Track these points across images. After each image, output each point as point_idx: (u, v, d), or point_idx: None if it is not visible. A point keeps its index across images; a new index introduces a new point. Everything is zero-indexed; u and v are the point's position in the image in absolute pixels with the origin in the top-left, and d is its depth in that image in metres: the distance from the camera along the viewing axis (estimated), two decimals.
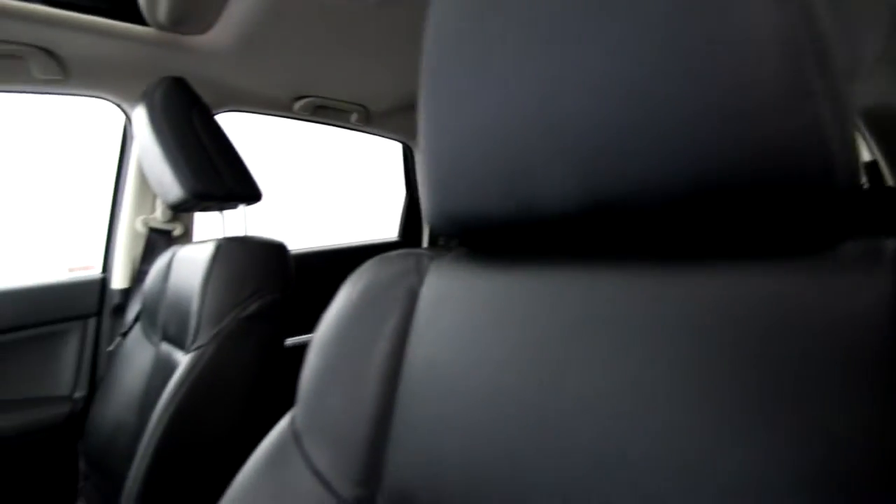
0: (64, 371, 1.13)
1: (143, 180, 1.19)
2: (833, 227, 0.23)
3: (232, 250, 0.76)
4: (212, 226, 1.29)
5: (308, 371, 0.40)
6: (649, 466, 0.22)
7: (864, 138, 1.53)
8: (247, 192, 0.88)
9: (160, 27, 0.95)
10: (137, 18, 0.94)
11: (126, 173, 1.20)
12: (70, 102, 1.12)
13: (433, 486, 0.30)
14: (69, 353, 1.14)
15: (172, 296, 0.90)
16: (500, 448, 0.27)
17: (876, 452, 0.17)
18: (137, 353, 0.99)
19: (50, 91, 1.03)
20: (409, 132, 1.79)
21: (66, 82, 1.01)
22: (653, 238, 0.26)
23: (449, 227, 0.33)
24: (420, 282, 0.37)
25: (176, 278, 0.91)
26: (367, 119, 1.54)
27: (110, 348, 1.13)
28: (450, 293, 0.35)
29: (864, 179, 1.49)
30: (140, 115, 0.88)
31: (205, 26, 0.96)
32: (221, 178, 0.83)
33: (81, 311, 1.17)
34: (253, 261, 0.77)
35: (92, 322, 1.17)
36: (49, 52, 0.93)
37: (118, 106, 1.14)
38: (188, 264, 0.87)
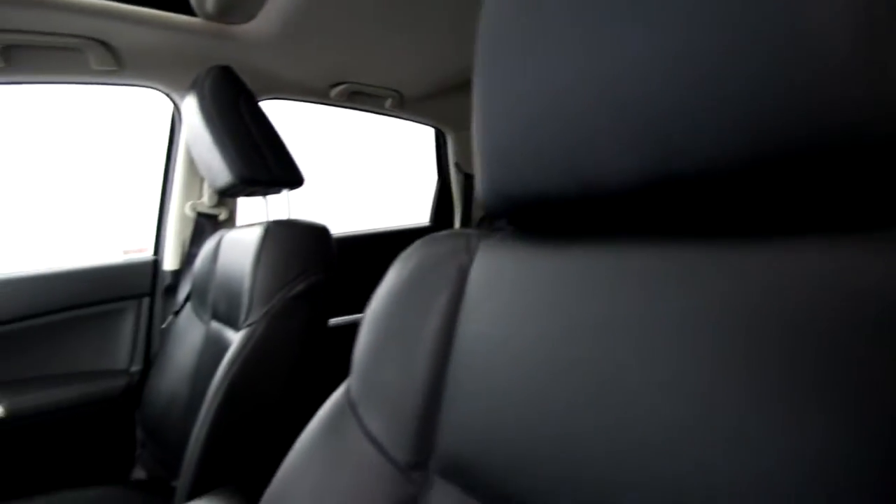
0: (121, 347, 1.21)
1: (191, 167, 1.24)
2: None
3: (279, 233, 0.79)
4: (252, 211, 1.34)
5: (361, 345, 0.42)
6: (704, 442, 0.22)
7: None
8: (290, 177, 0.91)
9: (207, 17, 0.99)
10: (186, 9, 0.98)
11: (175, 160, 1.25)
12: (123, 93, 1.18)
13: (483, 454, 0.32)
14: (126, 330, 1.22)
15: (221, 277, 0.95)
16: (549, 421, 0.28)
17: None
18: (189, 330, 1.05)
19: (104, 82, 1.09)
20: (442, 117, 1.79)
21: (120, 73, 1.06)
22: (710, 213, 0.26)
23: (503, 206, 0.34)
24: (470, 260, 0.38)
25: (224, 260, 0.96)
26: (401, 104, 1.55)
27: (163, 326, 1.20)
28: (501, 271, 0.36)
29: None
30: (190, 103, 0.92)
31: (249, 15, 0.98)
32: (267, 164, 0.87)
33: (136, 290, 1.24)
34: (299, 243, 0.80)
35: (146, 301, 1.24)
36: (105, 44, 0.98)
37: (167, 95, 1.19)
38: (236, 247, 0.91)
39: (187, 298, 1.12)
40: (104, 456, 1.16)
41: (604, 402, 0.26)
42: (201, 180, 1.27)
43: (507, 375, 0.31)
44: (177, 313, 1.14)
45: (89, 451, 1.14)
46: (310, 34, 1.07)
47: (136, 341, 1.22)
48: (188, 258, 1.25)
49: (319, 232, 0.84)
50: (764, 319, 0.22)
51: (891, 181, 0.21)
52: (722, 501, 0.21)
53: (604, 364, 0.27)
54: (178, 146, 1.25)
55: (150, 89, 1.16)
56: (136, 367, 1.20)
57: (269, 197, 1.03)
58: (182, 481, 0.69)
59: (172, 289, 1.25)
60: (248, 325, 0.74)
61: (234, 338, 0.84)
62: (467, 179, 1.99)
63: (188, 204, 1.25)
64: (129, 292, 1.23)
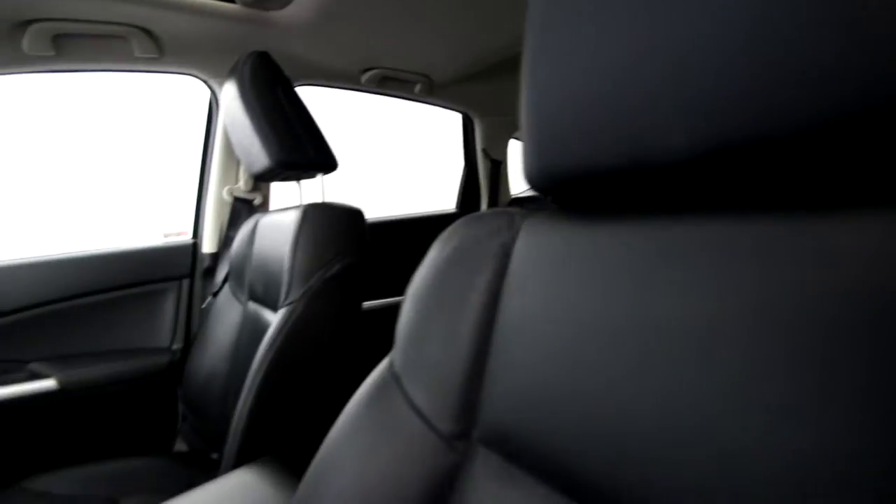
0: (164, 326, 1.26)
1: (227, 153, 1.28)
2: None
3: (317, 215, 0.81)
4: (283, 196, 1.37)
5: (404, 321, 0.43)
6: (751, 413, 0.22)
7: None
8: (325, 161, 0.93)
9: (245, 3, 1.00)
10: None
11: (212, 147, 1.29)
12: (163, 83, 1.21)
13: (527, 424, 0.32)
14: (168, 310, 1.27)
15: (258, 259, 0.98)
16: (593, 393, 0.29)
17: None
18: (227, 310, 1.09)
19: (146, 69, 1.12)
20: (470, 102, 1.78)
21: (161, 60, 1.10)
22: (765, 187, 0.26)
23: (550, 183, 0.34)
24: (513, 238, 0.39)
25: (261, 243, 0.99)
26: (431, 89, 1.55)
27: (203, 306, 1.24)
28: (546, 248, 0.36)
29: None
30: (229, 89, 0.94)
31: (285, 1, 1.00)
32: (304, 148, 0.88)
33: (176, 272, 1.29)
34: (335, 225, 0.82)
35: (186, 282, 1.29)
36: (148, 32, 1.01)
37: (205, 82, 1.22)
38: (273, 230, 0.93)
39: (225, 280, 1.16)
40: (148, 428, 1.22)
41: (649, 377, 0.26)
42: (237, 166, 1.31)
43: (552, 349, 0.32)
44: (215, 294, 1.18)
45: (135, 424, 1.21)
46: (343, 19, 1.08)
47: (178, 320, 1.27)
48: (225, 241, 1.29)
49: (354, 215, 0.86)
50: (818, 301, 0.22)
51: None
52: (758, 482, 0.21)
53: (651, 339, 0.27)
54: (215, 132, 1.28)
55: (188, 76, 1.20)
56: (177, 345, 1.26)
57: (302, 181, 1.05)
58: (228, 451, 0.72)
59: (211, 271, 1.30)
60: (288, 304, 0.76)
61: (272, 317, 0.87)
62: (494, 165, 1.98)
63: (225, 189, 1.29)
64: (170, 274, 1.28)
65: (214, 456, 1.03)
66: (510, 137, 2.04)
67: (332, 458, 0.43)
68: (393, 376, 0.42)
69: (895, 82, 0.20)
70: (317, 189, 1.05)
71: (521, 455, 0.33)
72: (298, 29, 1.11)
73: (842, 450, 0.20)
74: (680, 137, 0.26)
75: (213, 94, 1.26)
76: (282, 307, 0.77)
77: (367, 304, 1.42)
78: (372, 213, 1.72)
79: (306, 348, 0.77)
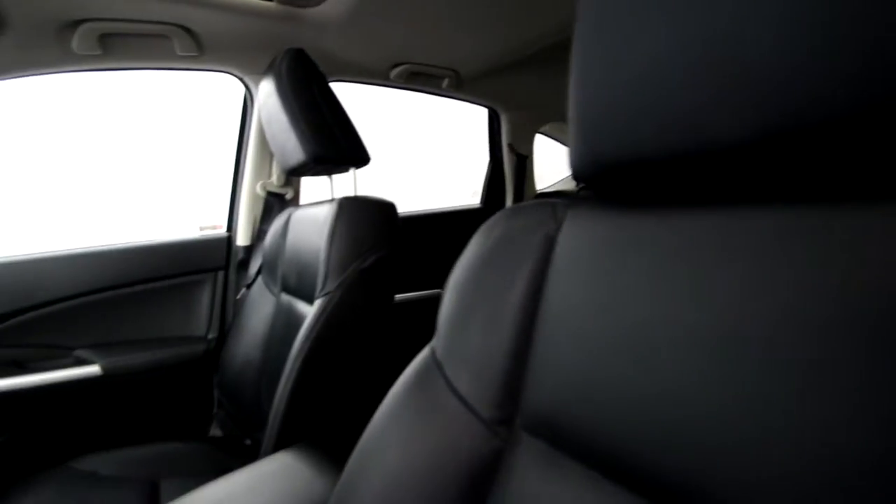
0: (200, 316, 1.31)
1: (261, 149, 1.31)
2: None
3: (352, 208, 0.83)
4: (311, 192, 1.40)
5: (446, 309, 0.44)
6: (815, 412, 0.22)
7: None
8: (358, 155, 0.95)
9: (281, 1, 1.03)
10: None
11: (247, 142, 1.32)
12: (200, 83, 1.25)
13: (572, 411, 0.33)
14: (203, 301, 1.31)
15: (291, 252, 1.01)
16: (640, 381, 0.29)
17: None
18: (260, 302, 1.12)
19: (186, 67, 1.16)
20: (497, 97, 1.78)
21: (201, 58, 1.13)
22: (816, 174, 0.26)
23: (598, 173, 0.34)
24: (557, 228, 0.39)
25: (294, 236, 1.01)
26: (458, 84, 1.56)
27: (237, 297, 1.28)
28: (592, 239, 0.36)
29: None
30: (266, 85, 0.96)
31: None
32: (338, 143, 0.90)
33: (212, 264, 1.33)
34: (370, 218, 0.84)
35: (221, 274, 1.33)
36: (188, 31, 1.04)
37: (240, 79, 1.25)
38: (307, 223, 0.96)
39: (258, 272, 1.20)
40: (186, 414, 1.27)
41: (698, 367, 0.27)
42: (270, 161, 1.34)
43: (600, 337, 0.32)
44: (249, 286, 1.22)
45: (173, 409, 1.25)
46: (375, 15, 1.09)
47: (213, 311, 1.31)
48: (259, 234, 1.33)
49: (388, 208, 0.87)
50: (874, 296, 0.21)
51: None
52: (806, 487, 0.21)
53: (707, 329, 0.27)
54: (249, 129, 1.32)
55: (225, 74, 1.23)
56: (212, 335, 1.30)
57: (334, 176, 1.07)
58: (268, 435, 0.75)
59: (244, 263, 1.33)
60: (325, 294, 0.78)
61: (305, 308, 0.89)
62: (520, 160, 1.97)
63: (259, 184, 1.33)
64: (206, 266, 1.33)
65: (248, 442, 1.06)
66: (536, 132, 2.03)
67: (376, 443, 0.44)
68: (435, 363, 0.43)
69: None
70: (346, 184, 1.07)
71: (566, 441, 0.33)
72: (331, 25, 1.13)
73: None
74: (731, 124, 0.26)
75: (248, 91, 1.29)
76: (318, 297, 0.79)
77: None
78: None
79: (342, 337, 0.79)
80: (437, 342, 0.44)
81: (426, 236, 1.71)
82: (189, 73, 1.21)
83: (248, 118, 1.32)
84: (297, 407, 0.75)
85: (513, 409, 0.38)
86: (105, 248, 1.23)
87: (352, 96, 1.50)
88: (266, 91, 0.97)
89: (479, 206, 1.98)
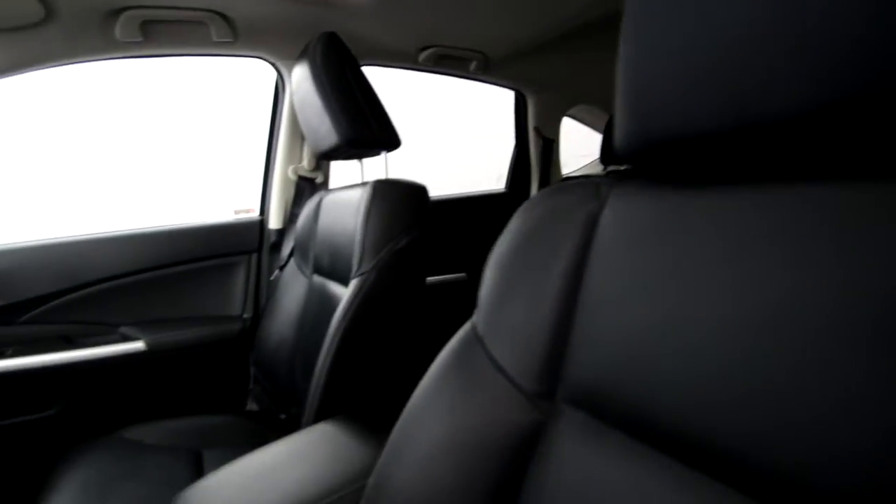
0: (236, 296, 1.36)
1: (293, 133, 1.33)
2: None
3: (385, 190, 0.85)
4: (339, 175, 1.42)
5: (487, 285, 0.45)
6: (869, 381, 0.22)
7: None
8: (389, 139, 0.96)
9: None
10: None
11: (278, 127, 1.35)
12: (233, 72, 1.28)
13: (615, 383, 0.34)
14: (239, 282, 1.36)
15: (324, 234, 1.03)
16: (684, 355, 0.30)
17: None
18: (293, 283, 1.15)
19: (221, 53, 1.19)
20: (524, 79, 1.77)
21: (235, 44, 1.16)
22: (879, 152, 0.25)
23: (645, 149, 0.34)
24: (600, 207, 0.39)
25: (326, 219, 1.04)
26: (486, 67, 1.55)
27: (271, 278, 1.32)
28: (637, 217, 0.36)
29: None
30: (299, 70, 0.98)
31: None
32: (370, 126, 0.92)
33: (246, 247, 1.37)
34: (403, 200, 0.85)
35: (254, 257, 1.38)
36: (224, 17, 1.06)
37: (272, 65, 1.28)
38: (339, 206, 0.98)
39: (291, 254, 1.23)
40: (223, 389, 1.32)
41: (748, 343, 0.27)
42: (301, 146, 1.36)
43: (644, 312, 0.33)
44: (282, 268, 1.25)
45: (211, 385, 1.31)
46: None
47: (248, 291, 1.36)
48: (290, 218, 1.36)
49: (419, 191, 0.89)
50: None
51: None
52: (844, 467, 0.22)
53: (750, 306, 0.27)
54: (281, 114, 1.34)
55: (258, 59, 1.25)
56: (248, 314, 1.35)
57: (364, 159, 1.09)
58: (308, 408, 0.79)
59: (277, 246, 1.37)
60: (360, 275, 0.81)
61: (338, 288, 0.92)
62: (546, 144, 1.96)
63: (290, 168, 1.36)
64: (240, 248, 1.37)
65: (282, 416, 1.11)
66: (563, 115, 2.01)
67: (419, 414, 0.45)
68: (476, 338, 0.44)
69: None
70: (374, 167, 1.09)
71: (609, 412, 0.34)
72: (363, 8, 1.13)
73: None
74: (786, 96, 0.25)
75: (280, 76, 1.31)
76: (354, 277, 0.81)
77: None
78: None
79: (377, 316, 0.81)
80: (477, 317, 0.45)
81: (450, 221, 1.72)
82: (226, 62, 1.24)
83: (279, 103, 1.35)
84: (335, 382, 0.78)
85: (554, 383, 0.39)
86: (145, 230, 1.28)
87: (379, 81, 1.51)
88: (299, 75, 0.98)
89: (503, 190, 1.98)
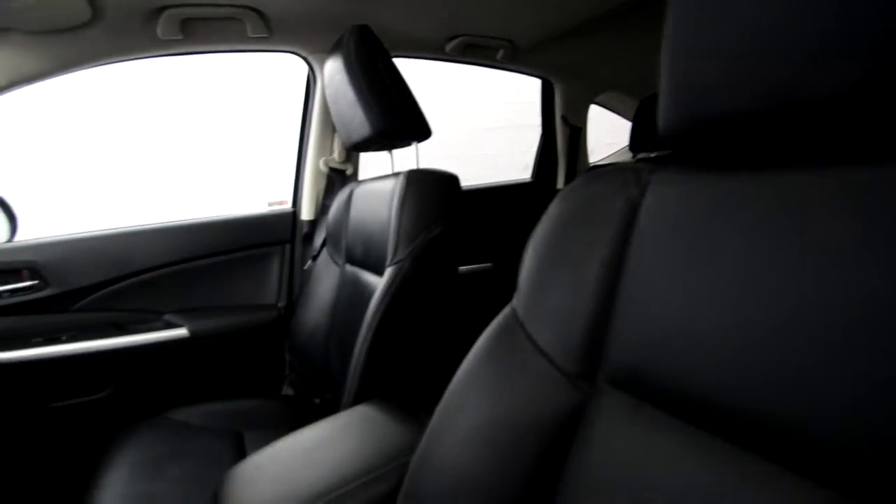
0: (270, 285, 1.40)
1: (324, 126, 1.36)
2: None
3: (420, 180, 0.86)
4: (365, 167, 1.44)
5: (527, 269, 0.46)
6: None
7: None
8: (420, 129, 0.97)
9: None
10: None
11: (310, 120, 1.38)
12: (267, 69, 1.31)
13: (657, 364, 0.34)
14: (273, 272, 1.41)
15: (356, 224, 1.05)
16: (727, 338, 0.30)
17: None
18: (325, 272, 1.18)
19: (256, 49, 1.22)
20: (552, 66, 1.75)
21: (270, 39, 1.19)
22: None
23: (690, 131, 0.35)
24: (641, 193, 0.40)
25: (359, 210, 1.06)
26: (513, 55, 1.54)
27: (304, 268, 1.36)
28: (679, 203, 0.36)
29: None
30: (331, 63, 1.00)
31: None
32: (401, 117, 0.93)
33: (279, 238, 1.41)
34: (436, 189, 0.87)
35: (288, 247, 1.42)
36: (259, 13, 1.09)
37: (304, 59, 1.30)
38: (372, 197, 1.00)
39: (323, 244, 1.26)
40: (260, 374, 1.38)
41: (795, 325, 0.27)
42: (332, 138, 1.39)
43: (687, 296, 0.33)
44: (314, 258, 1.29)
45: (249, 370, 1.36)
46: None
47: (282, 281, 1.40)
48: (322, 209, 1.39)
49: (452, 180, 0.90)
50: None
51: None
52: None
53: (797, 288, 0.28)
54: (312, 107, 1.37)
55: (290, 54, 1.28)
56: (282, 303, 1.39)
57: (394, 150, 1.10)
58: (348, 391, 0.82)
59: (309, 237, 1.41)
60: (396, 263, 0.83)
61: (370, 277, 0.94)
62: (573, 133, 1.93)
63: (321, 160, 1.38)
64: (274, 239, 1.41)
65: (317, 401, 1.14)
66: (591, 103, 1.98)
67: (461, 396, 0.47)
68: (517, 321, 0.45)
69: None
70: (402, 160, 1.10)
71: (652, 392, 0.35)
72: (391, 0, 1.14)
73: None
74: (833, 76, 0.25)
75: (312, 69, 1.33)
76: (390, 265, 0.83)
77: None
78: None
79: (413, 304, 0.83)
80: (517, 301, 0.47)
81: (476, 211, 1.73)
82: (259, 59, 1.27)
83: (311, 97, 1.38)
84: (373, 366, 0.80)
85: (595, 364, 0.40)
86: (186, 223, 1.34)
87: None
88: (332, 68, 1.00)
89: (529, 180, 1.97)
